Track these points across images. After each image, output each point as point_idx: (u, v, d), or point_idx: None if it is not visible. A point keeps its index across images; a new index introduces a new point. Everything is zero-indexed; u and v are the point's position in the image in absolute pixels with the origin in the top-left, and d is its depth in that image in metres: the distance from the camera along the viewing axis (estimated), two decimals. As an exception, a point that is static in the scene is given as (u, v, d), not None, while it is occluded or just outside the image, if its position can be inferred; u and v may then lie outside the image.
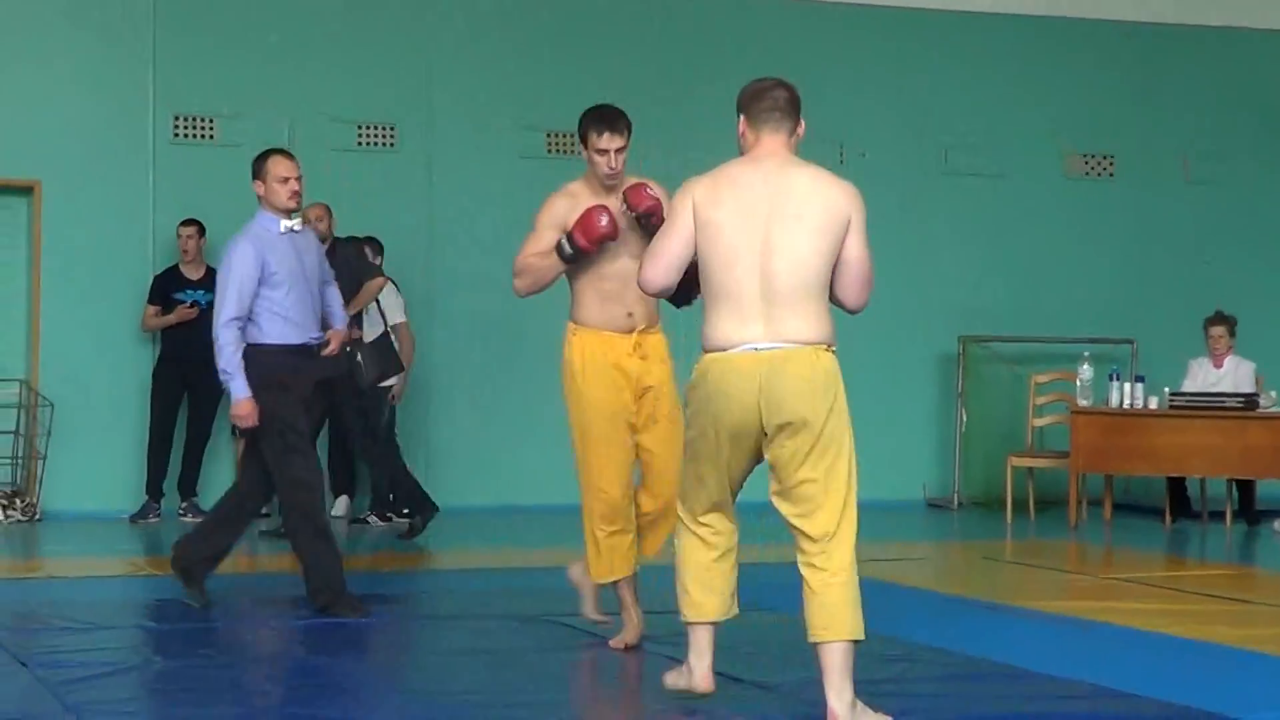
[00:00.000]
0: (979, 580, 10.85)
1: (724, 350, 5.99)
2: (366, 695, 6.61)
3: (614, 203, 7.47)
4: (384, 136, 14.67)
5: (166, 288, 13.65)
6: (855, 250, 6.02)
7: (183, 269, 13.68)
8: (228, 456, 13.96)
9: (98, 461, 13.77)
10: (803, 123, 6.21)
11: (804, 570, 5.97)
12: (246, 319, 8.44)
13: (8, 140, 13.71)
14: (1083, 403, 13.88)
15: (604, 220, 7.31)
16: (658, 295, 6.43)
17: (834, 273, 6.02)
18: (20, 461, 13.58)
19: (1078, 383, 13.99)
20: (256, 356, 8.46)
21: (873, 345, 15.54)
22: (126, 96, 14.03)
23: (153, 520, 13.42)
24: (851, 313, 6.18)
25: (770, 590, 7.44)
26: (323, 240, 11.70)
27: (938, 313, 15.74)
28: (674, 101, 14.92)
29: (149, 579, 9.71)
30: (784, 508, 6.04)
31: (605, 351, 7.47)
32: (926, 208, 15.83)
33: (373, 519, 13.42)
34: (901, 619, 8.42)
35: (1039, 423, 14.92)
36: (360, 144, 14.59)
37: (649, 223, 7.26)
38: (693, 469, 6.21)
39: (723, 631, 6.31)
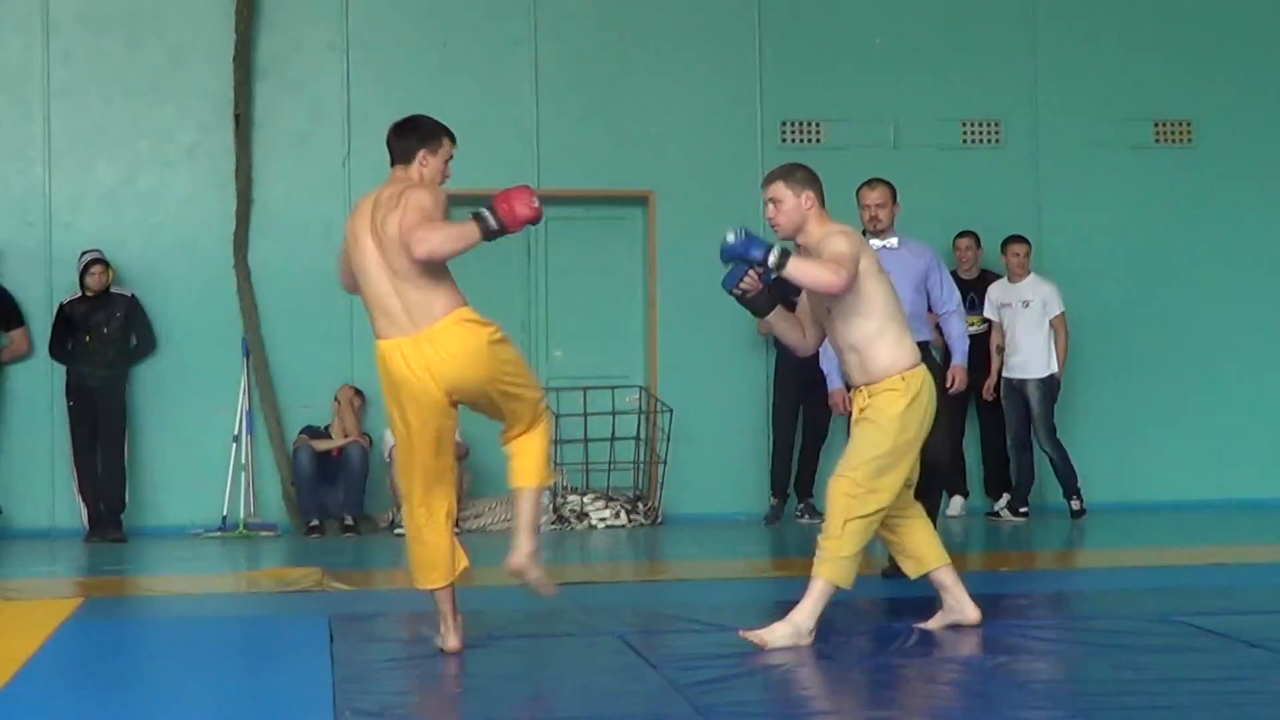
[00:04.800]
0: None
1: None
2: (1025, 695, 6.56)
3: None
4: (989, 133, 14.58)
5: (779, 292, 13.86)
6: None
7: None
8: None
9: (717, 465, 14.08)
10: None
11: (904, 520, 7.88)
12: None
13: (624, 153, 14.15)
14: None
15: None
16: None
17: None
18: (642, 466, 13.96)
19: None
20: None
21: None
22: (735, 106, 14.31)
23: (780, 523, 13.66)
24: None
25: None
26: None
27: None
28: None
29: (773, 580, 9.81)
30: None
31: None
32: None
33: (1004, 512, 13.55)
34: None
35: None
36: (965, 141, 14.54)
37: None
38: (904, 469, 7.62)
39: None
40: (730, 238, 7.52)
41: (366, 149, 13.37)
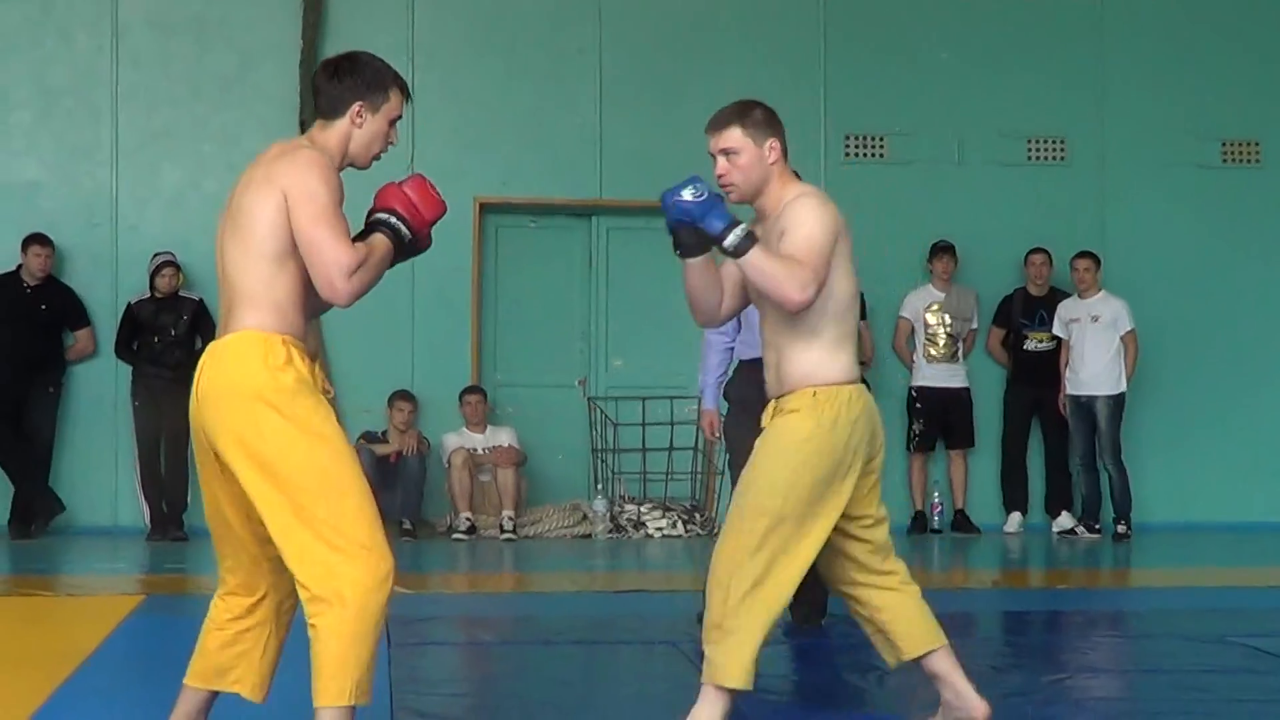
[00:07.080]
0: None
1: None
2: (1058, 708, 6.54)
3: None
4: (1054, 150, 14.54)
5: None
6: None
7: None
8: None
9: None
10: None
11: (886, 592, 5.77)
12: None
13: (687, 163, 13.99)
14: None
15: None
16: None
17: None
18: (699, 477, 13.97)
19: None
20: None
21: None
22: (799, 118, 14.17)
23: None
24: None
25: None
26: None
27: None
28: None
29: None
30: (869, 534, 5.80)
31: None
32: None
33: (1080, 529, 13.63)
34: None
35: None
36: (1030, 158, 14.50)
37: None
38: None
39: None
40: (687, 194, 5.52)
41: (431, 154, 13.44)
